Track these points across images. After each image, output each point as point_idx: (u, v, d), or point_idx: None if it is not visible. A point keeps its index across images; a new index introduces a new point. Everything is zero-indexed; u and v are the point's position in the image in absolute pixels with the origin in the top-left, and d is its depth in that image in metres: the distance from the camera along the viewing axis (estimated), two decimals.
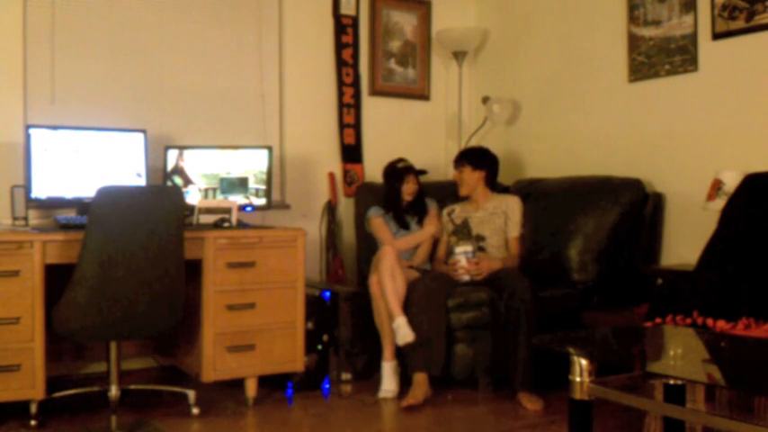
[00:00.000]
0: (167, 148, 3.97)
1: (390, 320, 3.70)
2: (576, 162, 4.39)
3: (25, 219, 3.50)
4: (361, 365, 4.00)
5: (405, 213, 4.22)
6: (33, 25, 3.90)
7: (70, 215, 3.70)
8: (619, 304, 3.72)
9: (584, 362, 2.25)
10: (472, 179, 4.13)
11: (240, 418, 3.43)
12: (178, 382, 3.74)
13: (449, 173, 5.04)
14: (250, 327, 3.55)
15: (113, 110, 4.07)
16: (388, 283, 3.72)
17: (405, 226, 4.19)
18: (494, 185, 4.22)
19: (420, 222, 4.21)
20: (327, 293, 3.93)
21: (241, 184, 3.98)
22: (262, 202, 4.00)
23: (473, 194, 4.15)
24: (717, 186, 3.42)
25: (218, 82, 4.39)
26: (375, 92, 4.86)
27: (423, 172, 4.33)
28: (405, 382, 3.67)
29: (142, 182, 3.85)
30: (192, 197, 3.91)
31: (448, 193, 4.40)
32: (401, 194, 4.19)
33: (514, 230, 4.06)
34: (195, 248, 3.44)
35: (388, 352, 3.75)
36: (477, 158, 4.17)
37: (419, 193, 4.24)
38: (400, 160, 4.25)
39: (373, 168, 4.74)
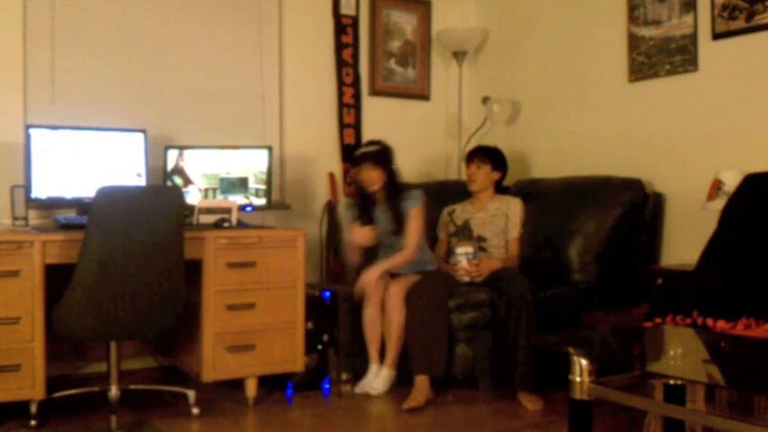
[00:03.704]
0: (167, 148, 3.97)
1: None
2: (576, 162, 4.39)
3: (25, 219, 3.50)
4: (361, 365, 4.00)
5: (372, 206, 3.97)
6: (33, 25, 3.90)
7: (70, 215, 3.70)
8: (619, 304, 3.72)
9: (584, 362, 2.25)
10: (488, 179, 4.15)
11: (240, 418, 3.43)
12: (178, 382, 3.74)
13: (449, 173, 5.05)
14: (250, 327, 3.55)
15: (113, 110, 4.06)
16: (369, 330, 3.83)
17: (370, 220, 3.95)
18: (500, 188, 4.24)
19: (397, 220, 3.91)
20: (327, 293, 3.93)
21: (241, 184, 3.98)
22: (262, 202, 4.00)
23: (480, 194, 4.15)
24: (717, 186, 3.42)
25: (218, 82, 4.39)
26: (375, 92, 4.85)
27: (384, 155, 3.96)
28: (406, 383, 3.66)
29: (142, 182, 3.85)
30: (192, 197, 3.91)
31: (449, 193, 4.40)
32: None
33: (514, 231, 4.06)
34: (195, 248, 3.44)
35: (374, 355, 3.82)
36: (498, 159, 4.19)
37: (391, 184, 3.95)
38: (362, 145, 4.13)
39: None
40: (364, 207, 3.99)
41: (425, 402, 3.55)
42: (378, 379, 3.76)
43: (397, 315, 3.71)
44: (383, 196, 3.96)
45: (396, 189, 3.96)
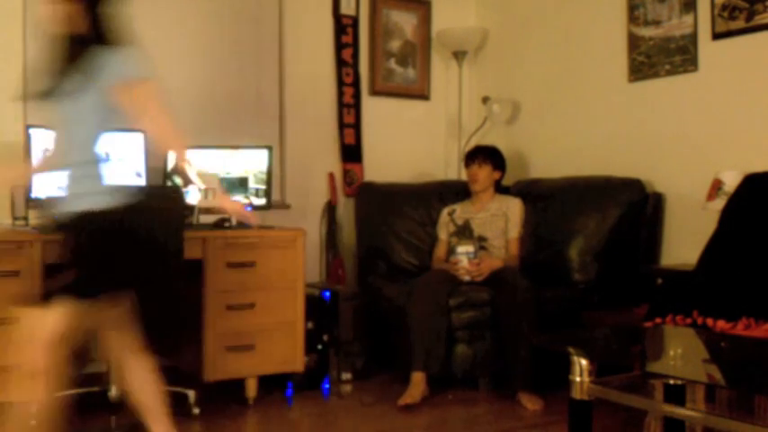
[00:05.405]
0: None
1: None
2: (576, 162, 4.39)
3: (25, 219, 3.50)
4: (361, 365, 4.00)
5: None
6: (33, 25, 3.89)
7: None
8: (619, 304, 3.72)
9: (584, 362, 2.25)
10: (490, 178, 4.16)
11: (240, 418, 3.43)
12: (178, 382, 3.74)
13: (449, 173, 5.05)
14: (250, 327, 3.55)
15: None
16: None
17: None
18: (499, 187, 4.25)
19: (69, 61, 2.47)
20: (327, 293, 3.93)
21: (241, 184, 3.98)
22: (262, 202, 4.00)
23: (481, 194, 4.15)
24: (717, 186, 3.42)
25: (218, 82, 4.38)
26: (375, 92, 4.85)
27: None
28: (404, 380, 3.66)
29: (142, 182, 3.84)
30: (192, 197, 3.91)
31: (450, 193, 4.40)
32: None
33: (513, 231, 4.06)
34: (195, 248, 3.44)
35: None
36: (498, 159, 4.20)
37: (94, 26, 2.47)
38: None
39: (373, 168, 4.74)
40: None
41: (421, 399, 3.54)
42: None
43: (145, 388, 2.75)
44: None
45: (93, 31, 2.50)
